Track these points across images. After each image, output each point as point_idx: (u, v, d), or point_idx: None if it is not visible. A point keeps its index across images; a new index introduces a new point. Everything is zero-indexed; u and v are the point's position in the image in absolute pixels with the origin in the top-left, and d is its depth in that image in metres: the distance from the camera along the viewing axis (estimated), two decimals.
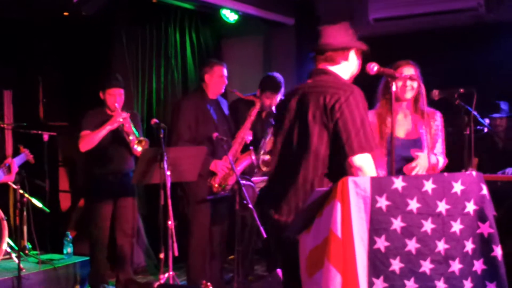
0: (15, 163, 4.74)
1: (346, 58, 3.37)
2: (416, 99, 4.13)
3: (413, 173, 3.94)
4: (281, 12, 7.32)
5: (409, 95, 4.11)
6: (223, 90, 5.66)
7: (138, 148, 5.45)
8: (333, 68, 3.35)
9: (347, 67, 3.38)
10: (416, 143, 4.08)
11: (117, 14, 6.51)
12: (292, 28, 7.56)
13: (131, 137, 5.51)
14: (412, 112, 4.17)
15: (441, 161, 4.17)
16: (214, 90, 5.60)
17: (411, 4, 6.62)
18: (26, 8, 6.42)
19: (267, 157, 5.74)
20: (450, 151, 4.21)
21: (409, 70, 4.08)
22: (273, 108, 5.69)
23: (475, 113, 4.22)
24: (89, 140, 5.40)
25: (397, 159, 3.88)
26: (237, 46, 7.92)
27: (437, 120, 4.17)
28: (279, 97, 5.82)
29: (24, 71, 7.08)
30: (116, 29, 6.62)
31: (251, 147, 5.60)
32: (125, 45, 6.61)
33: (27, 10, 6.51)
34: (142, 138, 5.52)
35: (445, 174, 2.97)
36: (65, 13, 6.61)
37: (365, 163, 3.10)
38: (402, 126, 4.14)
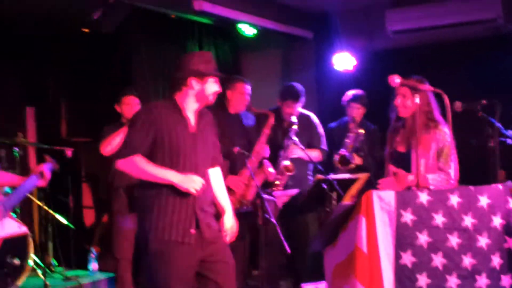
0: (47, 168, 4.77)
1: (185, 84, 3.61)
2: (414, 114, 3.87)
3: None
4: (299, 26, 7.33)
5: (406, 112, 4.01)
6: (244, 108, 5.66)
7: None
8: (178, 95, 3.66)
9: (189, 93, 3.63)
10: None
11: (136, 30, 6.57)
12: (310, 42, 7.57)
13: None
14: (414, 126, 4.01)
15: (434, 181, 3.83)
16: (235, 106, 5.61)
17: (430, 16, 6.60)
18: (47, 25, 6.50)
19: (286, 162, 5.69)
20: (474, 164, 4.18)
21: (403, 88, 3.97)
22: (293, 118, 5.67)
23: (499, 124, 4.20)
24: (110, 140, 5.34)
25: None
26: (256, 60, 7.95)
27: (437, 133, 3.94)
28: (299, 106, 5.82)
29: (46, 88, 7.15)
30: (136, 45, 6.67)
31: (265, 161, 5.56)
32: (145, 60, 6.66)
33: (49, 27, 6.59)
34: None
35: (471, 187, 2.96)
36: (85, 30, 6.69)
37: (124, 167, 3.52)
38: (405, 141, 4.06)
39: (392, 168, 3.93)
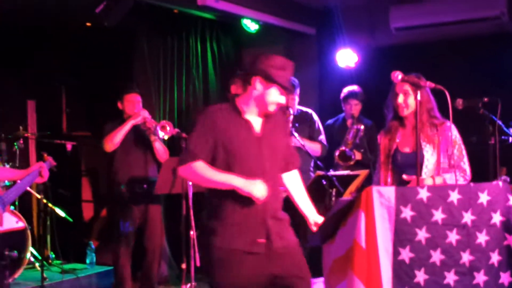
0: (45, 166, 4.82)
1: (250, 84, 3.35)
2: (416, 112, 3.79)
3: None
4: (302, 21, 7.31)
5: (406, 111, 3.94)
6: None
7: (163, 135, 5.36)
8: (241, 95, 3.43)
9: (252, 94, 3.35)
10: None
11: (138, 25, 6.55)
12: (313, 38, 7.55)
13: (153, 138, 5.49)
14: (415, 125, 3.96)
15: (451, 181, 3.80)
16: None
17: (433, 13, 6.57)
18: (49, 18, 6.49)
19: None
20: (475, 161, 4.15)
21: (402, 85, 3.90)
22: (290, 109, 5.65)
23: (500, 122, 4.17)
24: (113, 136, 5.38)
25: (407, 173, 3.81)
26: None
27: (446, 130, 3.89)
28: (294, 98, 5.80)
29: (47, 81, 7.15)
30: (138, 39, 6.66)
31: None
32: (147, 55, 6.64)
33: (51, 20, 6.59)
34: (164, 122, 5.41)
35: (471, 184, 2.95)
36: (88, 24, 6.68)
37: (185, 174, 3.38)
38: (408, 141, 3.96)
39: (408, 177, 3.77)
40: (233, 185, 3.18)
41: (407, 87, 3.88)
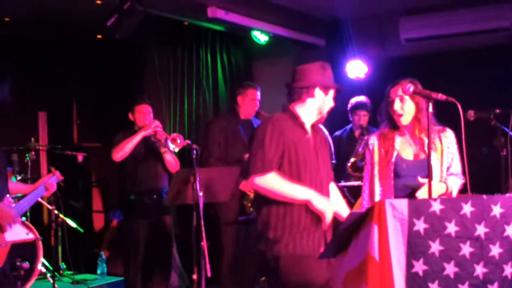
0: (52, 180, 4.88)
1: (311, 95, 3.49)
2: (417, 119, 3.79)
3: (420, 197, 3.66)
4: (312, 33, 7.33)
5: (404, 121, 3.80)
6: (253, 114, 5.70)
7: (174, 147, 5.29)
8: (298, 106, 3.52)
9: (312, 105, 3.51)
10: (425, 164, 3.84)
11: (149, 37, 6.59)
12: (323, 49, 7.57)
13: (163, 150, 5.49)
14: (416, 132, 3.85)
15: (456, 184, 3.81)
16: (245, 112, 5.66)
17: (443, 25, 6.58)
18: (61, 31, 6.53)
19: None
20: (486, 172, 4.14)
21: (396, 91, 3.79)
22: None
23: None
24: (123, 146, 5.39)
25: (410, 181, 3.72)
26: (268, 67, 7.95)
27: (449, 137, 3.83)
28: None
29: (58, 93, 7.19)
30: (149, 51, 6.70)
31: None
32: (157, 66, 6.68)
33: (62, 33, 6.63)
34: (175, 135, 5.39)
35: (484, 196, 2.93)
36: (98, 36, 6.72)
37: (260, 184, 3.32)
38: (409, 148, 3.84)
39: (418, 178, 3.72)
40: (308, 200, 3.30)
41: (401, 92, 3.73)
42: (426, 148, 3.70)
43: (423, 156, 3.77)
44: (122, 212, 5.74)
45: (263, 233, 3.43)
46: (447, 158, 3.80)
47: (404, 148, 3.82)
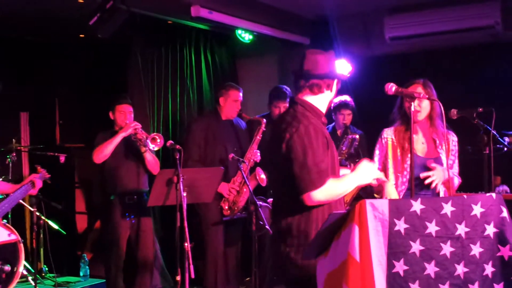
0: (38, 178, 4.81)
1: (329, 88, 3.32)
2: (431, 117, 4.08)
3: (427, 181, 3.92)
4: (296, 32, 7.30)
5: (420, 116, 4.06)
6: (235, 115, 5.69)
7: (153, 147, 5.29)
8: (313, 98, 3.31)
9: (327, 97, 3.35)
10: (437, 162, 4.02)
11: (132, 36, 6.54)
12: (307, 48, 7.53)
13: (143, 150, 5.46)
14: (429, 131, 4.11)
15: (457, 181, 4.13)
16: (227, 113, 5.66)
17: (428, 23, 6.57)
18: (43, 29, 6.48)
19: None
20: (469, 171, 4.15)
21: (417, 89, 3.97)
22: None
23: (494, 132, 4.16)
24: (103, 148, 5.37)
25: (416, 178, 3.86)
26: (253, 65, 7.92)
27: (453, 139, 4.13)
28: (286, 106, 5.81)
29: (41, 93, 7.12)
30: (132, 50, 6.64)
31: (257, 168, 5.55)
32: (141, 66, 6.63)
33: (44, 32, 6.57)
34: (155, 134, 5.36)
35: (464, 196, 2.92)
36: (81, 35, 6.67)
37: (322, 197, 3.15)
38: (420, 145, 4.08)
39: (429, 162, 3.96)
40: (359, 184, 3.31)
41: (421, 89, 3.95)
42: (438, 149, 4.06)
43: (433, 155, 4.06)
44: (103, 214, 5.68)
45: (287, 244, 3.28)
46: (450, 158, 4.07)
47: (416, 145, 4.05)
